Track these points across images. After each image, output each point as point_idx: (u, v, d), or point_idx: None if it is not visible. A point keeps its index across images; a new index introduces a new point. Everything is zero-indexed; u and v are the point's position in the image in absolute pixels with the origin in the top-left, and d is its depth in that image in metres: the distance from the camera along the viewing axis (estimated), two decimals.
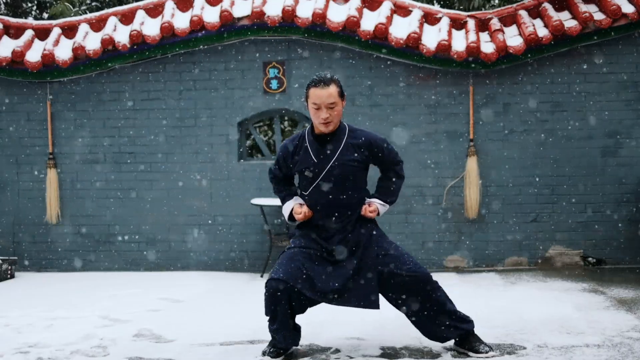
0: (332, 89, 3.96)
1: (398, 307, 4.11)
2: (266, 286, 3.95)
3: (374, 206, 4.11)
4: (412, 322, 4.13)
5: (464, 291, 5.98)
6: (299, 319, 4.13)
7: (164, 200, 7.48)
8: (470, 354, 4.02)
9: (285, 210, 4.18)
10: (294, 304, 3.97)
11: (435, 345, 4.23)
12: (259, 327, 4.23)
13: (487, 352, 4.00)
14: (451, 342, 4.19)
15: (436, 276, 6.93)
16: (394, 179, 4.20)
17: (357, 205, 4.09)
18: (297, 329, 4.09)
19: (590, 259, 7.15)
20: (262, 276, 7.04)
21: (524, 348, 4.14)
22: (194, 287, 6.49)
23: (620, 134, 7.12)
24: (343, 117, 4.16)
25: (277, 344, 4.03)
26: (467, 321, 4.08)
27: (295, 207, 4.11)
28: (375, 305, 3.98)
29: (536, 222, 7.19)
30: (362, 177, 4.12)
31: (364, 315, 5.03)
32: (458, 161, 7.23)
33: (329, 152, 4.00)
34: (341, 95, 4.03)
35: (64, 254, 7.60)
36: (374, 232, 4.09)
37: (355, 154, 4.02)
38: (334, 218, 4.03)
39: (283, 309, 3.93)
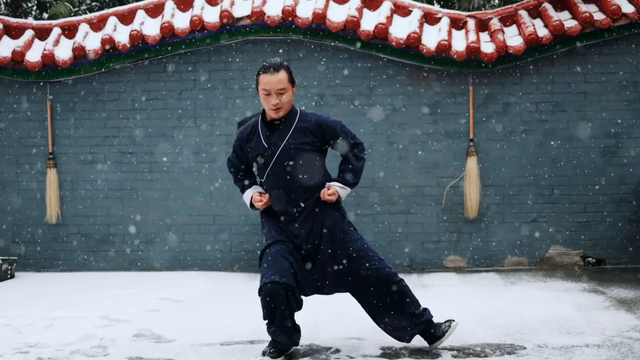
0: (282, 75, 3.96)
1: (362, 304, 4.14)
2: (262, 290, 3.90)
3: (332, 189, 4.07)
4: (376, 320, 4.14)
5: (464, 291, 5.98)
6: (299, 318, 4.12)
7: (164, 200, 7.48)
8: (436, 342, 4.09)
9: (246, 199, 4.22)
10: (292, 303, 3.96)
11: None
12: (259, 327, 4.22)
13: (449, 328, 4.06)
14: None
15: (436, 276, 6.97)
16: (352, 160, 4.15)
17: (315, 190, 4.07)
18: (296, 329, 4.08)
19: (590, 259, 7.15)
20: None
21: (524, 348, 4.14)
22: (194, 287, 6.49)
23: (620, 134, 7.12)
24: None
25: (278, 345, 4.02)
26: (426, 312, 4.12)
27: (255, 195, 4.13)
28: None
29: (536, 222, 7.19)
30: (315, 161, 4.08)
31: (364, 315, 5.03)
32: (458, 161, 7.23)
33: (278, 137, 4.01)
34: (291, 81, 4.03)
35: (63, 254, 7.60)
36: (342, 225, 4.08)
37: (305, 138, 4.02)
38: (293, 204, 4.03)
39: (282, 310, 3.91)
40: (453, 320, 4.12)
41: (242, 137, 4.15)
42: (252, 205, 4.19)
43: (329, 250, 4.03)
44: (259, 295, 3.93)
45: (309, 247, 4.03)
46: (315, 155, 4.08)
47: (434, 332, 4.10)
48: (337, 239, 4.04)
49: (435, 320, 4.15)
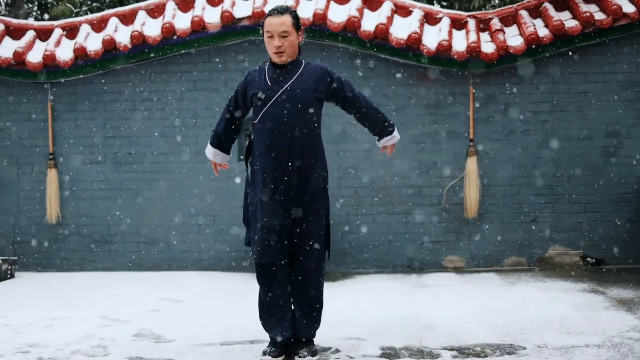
0: (286, 18, 3.94)
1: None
2: (259, 281, 4.00)
3: (390, 147, 4.42)
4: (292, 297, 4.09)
5: (464, 291, 5.98)
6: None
7: (164, 200, 7.49)
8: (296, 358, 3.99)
9: (208, 153, 4.26)
10: (286, 282, 3.99)
11: (435, 345, 4.24)
12: (259, 327, 4.22)
13: (310, 356, 3.97)
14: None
15: (435, 276, 6.98)
16: (372, 108, 4.21)
17: (307, 142, 3.94)
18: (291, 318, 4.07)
19: (589, 259, 7.15)
20: None
21: (524, 348, 4.14)
22: (194, 287, 6.49)
23: (620, 134, 7.12)
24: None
25: (276, 342, 4.02)
26: (314, 331, 4.09)
27: (216, 161, 4.23)
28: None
29: (536, 222, 7.19)
30: (314, 112, 3.98)
31: (365, 314, 5.04)
32: (458, 161, 7.23)
33: (283, 78, 3.98)
34: (296, 26, 3.99)
35: (63, 254, 7.61)
36: (320, 198, 4.01)
37: (310, 82, 3.97)
38: (283, 152, 3.88)
39: (277, 294, 3.96)
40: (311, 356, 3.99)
41: (248, 76, 4.10)
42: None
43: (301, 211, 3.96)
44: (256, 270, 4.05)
45: (291, 204, 3.94)
46: (314, 105, 3.97)
47: (305, 348, 4.00)
48: (311, 209, 3.96)
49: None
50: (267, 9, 7.13)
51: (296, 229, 3.95)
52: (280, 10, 3.95)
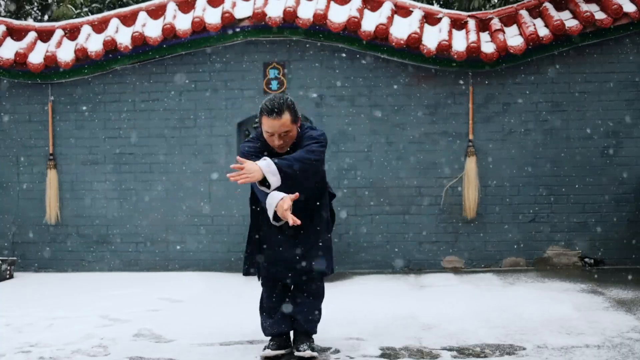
0: (285, 118, 3.83)
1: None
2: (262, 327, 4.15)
3: (251, 167, 3.64)
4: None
5: (463, 292, 5.98)
6: None
7: (163, 200, 7.49)
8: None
9: (272, 203, 3.66)
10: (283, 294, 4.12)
11: (435, 346, 4.24)
12: (259, 327, 4.23)
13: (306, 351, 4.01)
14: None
15: (434, 276, 6.98)
16: (300, 151, 3.83)
17: (313, 195, 3.98)
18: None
19: (588, 259, 7.15)
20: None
21: (524, 348, 4.15)
22: (194, 287, 6.50)
23: (620, 134, 7.12)
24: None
25: (275, 336, 4.09)
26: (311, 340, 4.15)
27: (286, 200, 3.61)
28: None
29: (535, 223, 7.19)
30: (317, 176, 3.99)
31: (364, 315, 5.04)
32: (457, 161, 7.23)
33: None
34: (294, 120, 3.89)
35: (63, 254, 7.61)
36: (326, 223, 4.12)
37: None
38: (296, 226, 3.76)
39: (280, 299, 4.13)
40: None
41: (255, 141, 4.01)
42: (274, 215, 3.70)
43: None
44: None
45: (297, 242, 4.00)
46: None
47: (304, 343, 4.05)
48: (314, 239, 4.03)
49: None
50: (267, 10, 7.13)
51: (301, 255, 4.02)
52: (278, 112, 3.81)
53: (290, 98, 3.92)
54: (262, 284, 4.17)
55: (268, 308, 4.14)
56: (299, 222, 3.60)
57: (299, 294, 4.10)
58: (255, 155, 3.85)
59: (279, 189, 3.67)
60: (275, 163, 3.66)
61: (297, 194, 3.69)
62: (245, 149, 3.93)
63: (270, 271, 4.07)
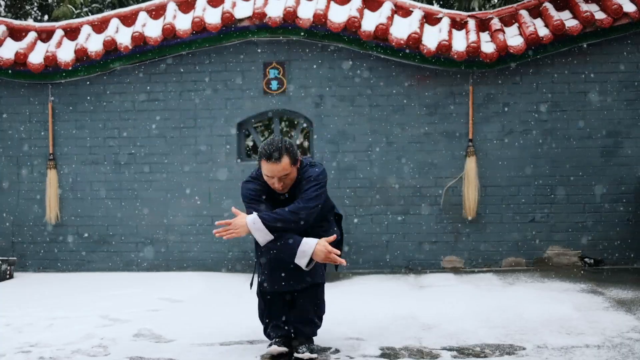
0: (284, 162, 3.83)
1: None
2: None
3: (238, 222, 3.84)
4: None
5: (463, 292, 5.98)
6: None
7: (163, 200, 7.50)
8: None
9: (309, 247, 3.78)
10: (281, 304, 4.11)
11: (435, 346, 4.24)
12: (259, 327, 4.24)
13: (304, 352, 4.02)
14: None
15: (434, 277, 6.99)
16: (287, 208, 3.83)
17: (317, 222, 4.00)
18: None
19: (588, 259, 7.15)
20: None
21: (524, 348, 4.14)
22: (194, 287, 6.50)
23: (620, 134, 7.12)
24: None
25: (277, 337, 4.11)
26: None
27: (324, 245, 3.77)
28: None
29: (534, 223, 7.19)
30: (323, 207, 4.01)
31: (364, 315, 5.04)
32: (457, 161, 7.24)
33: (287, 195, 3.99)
34: (294, 162, 3.89)
35: (63, 254, 7.62)
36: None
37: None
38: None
39: (279, 309, 4.11)
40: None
41: (256, 182, 4.04)
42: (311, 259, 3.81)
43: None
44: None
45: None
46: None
47: (304, 345, 4.05)
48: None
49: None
50: (267, 10, 7.13)
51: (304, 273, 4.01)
52: (277, 157, 3.81)
53: (289, 141, 3.93)
54: (261, 297, 4.15)
55: (269, 317, 4.15)
56: (344, 262, 3.75)
57: (298, 302, 4.09)
58: (256, 199, 3.94)
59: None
60: (261, 218, 3.77)
61: (334, 235, 3.84)
62: (247, 192, 4.00)
63: (272, 288, 4.04)
